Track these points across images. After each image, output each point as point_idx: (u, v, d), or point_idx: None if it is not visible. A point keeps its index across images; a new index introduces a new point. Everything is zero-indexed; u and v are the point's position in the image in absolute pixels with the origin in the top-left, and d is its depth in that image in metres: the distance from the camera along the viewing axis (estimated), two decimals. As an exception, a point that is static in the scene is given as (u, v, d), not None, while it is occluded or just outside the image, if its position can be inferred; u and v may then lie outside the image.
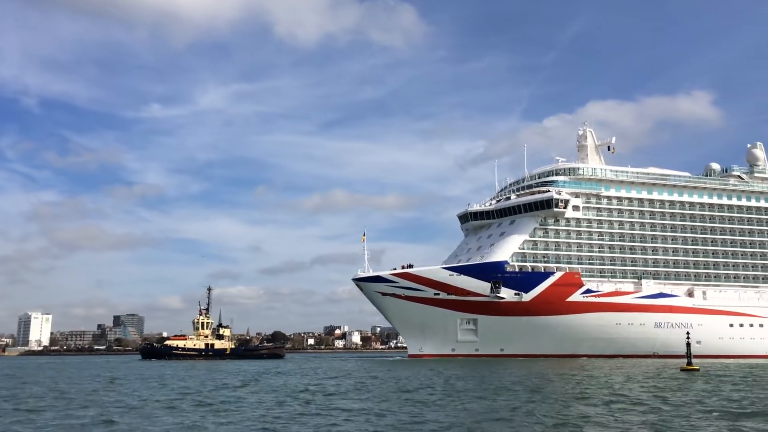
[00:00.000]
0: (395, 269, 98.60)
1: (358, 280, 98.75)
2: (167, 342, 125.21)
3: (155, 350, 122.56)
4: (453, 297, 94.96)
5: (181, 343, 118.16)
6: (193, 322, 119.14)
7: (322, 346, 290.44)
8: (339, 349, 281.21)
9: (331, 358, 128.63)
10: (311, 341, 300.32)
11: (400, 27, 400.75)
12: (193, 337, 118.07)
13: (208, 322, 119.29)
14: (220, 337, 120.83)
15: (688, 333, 65.73)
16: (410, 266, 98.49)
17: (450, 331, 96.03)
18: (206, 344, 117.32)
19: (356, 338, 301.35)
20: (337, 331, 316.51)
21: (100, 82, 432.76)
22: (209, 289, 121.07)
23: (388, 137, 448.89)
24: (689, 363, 60.46)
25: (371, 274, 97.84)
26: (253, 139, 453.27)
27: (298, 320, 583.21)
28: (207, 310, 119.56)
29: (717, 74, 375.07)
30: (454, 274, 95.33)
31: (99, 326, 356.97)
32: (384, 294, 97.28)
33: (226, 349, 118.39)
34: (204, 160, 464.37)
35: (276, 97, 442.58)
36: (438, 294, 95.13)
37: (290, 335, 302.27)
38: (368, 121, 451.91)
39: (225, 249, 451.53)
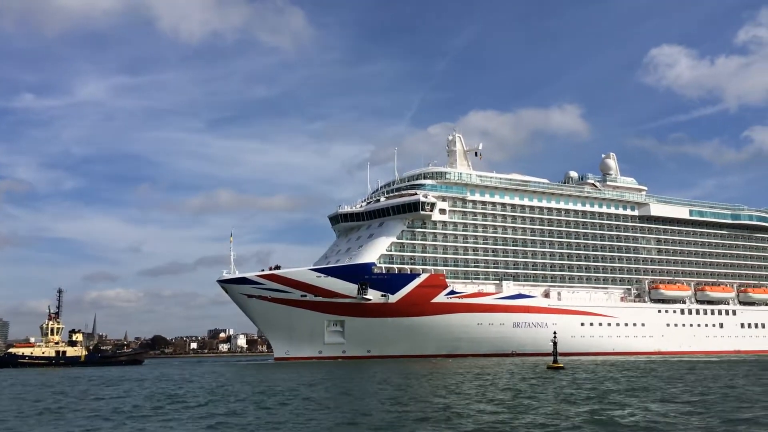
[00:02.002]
0: (263, 270, 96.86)
1: (223, 282, 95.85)
2: (11, 350, 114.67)
3: None
4: (320, 299, 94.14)
5: (27, 351, 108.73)
6: (41, 328, 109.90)
7: (206, 350, 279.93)
8: (224, 353, 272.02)
9: (195, 363, 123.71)
10: (194, 345, 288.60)
11: (288, 29, 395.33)
12: (42, 344, 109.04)
13: (58, 328, 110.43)
14: (72, 343, 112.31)
15: (555, 333, 69.86)
16: (278, 267, 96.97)
17: (317, 334, 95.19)
18: (57, 351, 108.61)
19: (242, 341, 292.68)
20: (222, 335, 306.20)
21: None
22: (60, 292, 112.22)
23: (280, 137, 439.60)
24: (555, 361, 64.11)
25: (236, 275, 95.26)
26: (137, 135, 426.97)
27: (181, 324, 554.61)
28: (57, 314, 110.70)
29: (585, 90, 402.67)
30: (322, 275, 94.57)
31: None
32: (250, 296, 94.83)
33: (79, 357, 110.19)
34: (81, 155, 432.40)
35: (162, 92, 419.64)
36: (305, 296, 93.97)
37: (172, 339, 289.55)
38: (259, 120, 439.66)
39: (102, 249, 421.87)
